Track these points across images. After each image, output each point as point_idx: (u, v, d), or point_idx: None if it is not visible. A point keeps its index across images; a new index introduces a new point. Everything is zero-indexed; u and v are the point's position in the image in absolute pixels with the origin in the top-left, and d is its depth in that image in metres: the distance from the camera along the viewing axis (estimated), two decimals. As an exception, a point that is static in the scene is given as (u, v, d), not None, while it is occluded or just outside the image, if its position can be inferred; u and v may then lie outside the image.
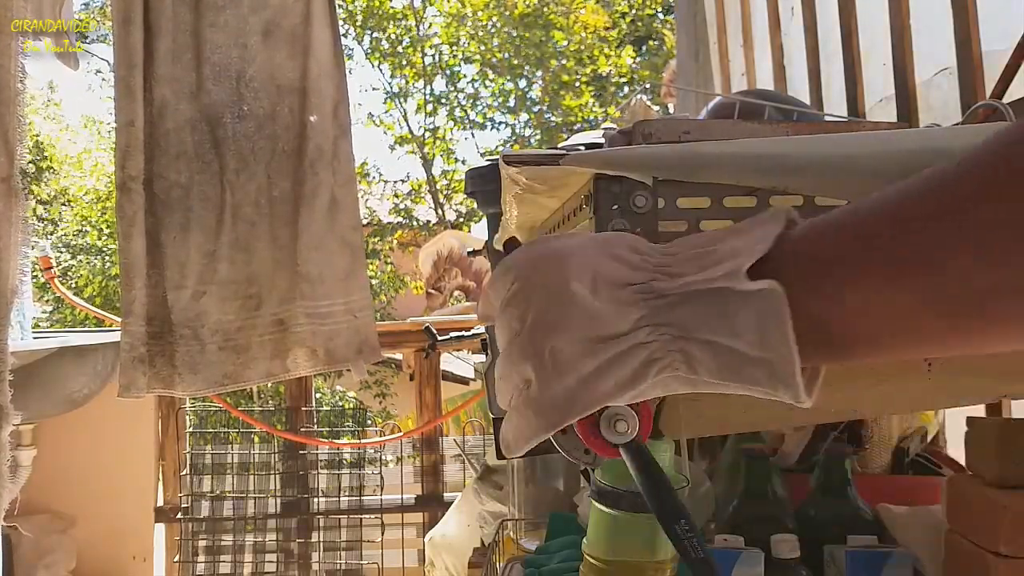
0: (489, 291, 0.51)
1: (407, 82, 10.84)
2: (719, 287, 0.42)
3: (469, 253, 2.52)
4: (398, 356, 5.52)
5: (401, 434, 3.29)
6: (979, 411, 1.29)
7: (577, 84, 10.48)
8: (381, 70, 10.79)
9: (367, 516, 3.03)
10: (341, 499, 3.02)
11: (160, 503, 3.06)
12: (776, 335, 0.41)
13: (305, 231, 2.02)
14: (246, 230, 2.02)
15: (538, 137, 10.68)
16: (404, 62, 10.69)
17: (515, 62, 10.57)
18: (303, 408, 2.99)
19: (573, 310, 0.45)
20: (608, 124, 1.54)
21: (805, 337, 0.40)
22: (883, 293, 0.39)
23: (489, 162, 1.52)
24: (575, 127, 10.17)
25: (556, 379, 0.45)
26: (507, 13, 10.32)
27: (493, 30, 10.52)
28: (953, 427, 1.35)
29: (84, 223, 7.85)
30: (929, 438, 1.37)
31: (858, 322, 0.40)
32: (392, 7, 10.53)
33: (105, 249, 7.56)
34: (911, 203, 0.38)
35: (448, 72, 10.89)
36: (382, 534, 3.04)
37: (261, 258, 2.03)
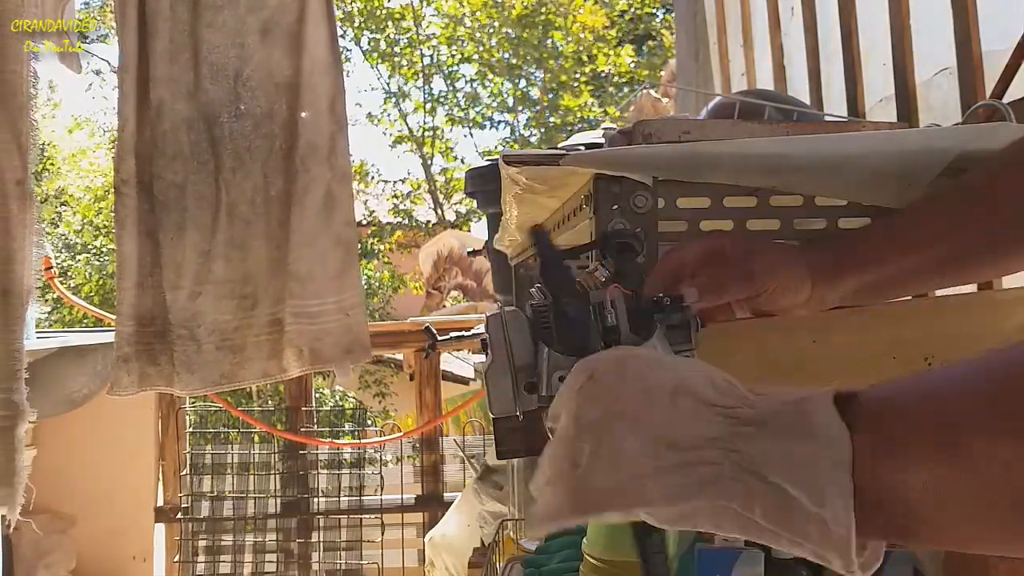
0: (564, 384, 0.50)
1: (405, 81, 10.84)
2: (797, 412, 0.41)
3: (469, 253, 2.52)
4: (398, 356, 5.52)
5: (401, 434, 3.29)
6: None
7: (576, 84, 10.48)
8: (379, 70, 10.80)
9: (367, 516, 3.03)
10: (341, 499, 3.02)
11: (160, 503, 3.06)
12: (834, 492, 0.38)
13: (297, 229, 2.01)
14: (242, 229, 2.01)
15: (537, 137, 10.68)
16: (403, 62, 10.69)
17: (513, 62, 10.58)
18: (303, 408, 2.99)
19: (649, 411, 0.44)
20: (608, 124, 1.54)
21: (866, 508, 0.38)
22: (955, 481, 0.36)
23: (489, 162, 1.52)
24: (575, 127, 10.17)
25: (609, 469, 0.43)
26: (505, 13, 10.32)
27: (491, 30, 10.52)
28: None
29: (83, 223, 7.85)
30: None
31: (926, 506, 0.37)
32: (390, 7, 10.53)
33: (104, 249, 7.57)
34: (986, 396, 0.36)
35: (446, 72, 10.89)
36: (382, 534, 3.04)
37: (257, 257, 2.02)
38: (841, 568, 0.39)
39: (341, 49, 2.19)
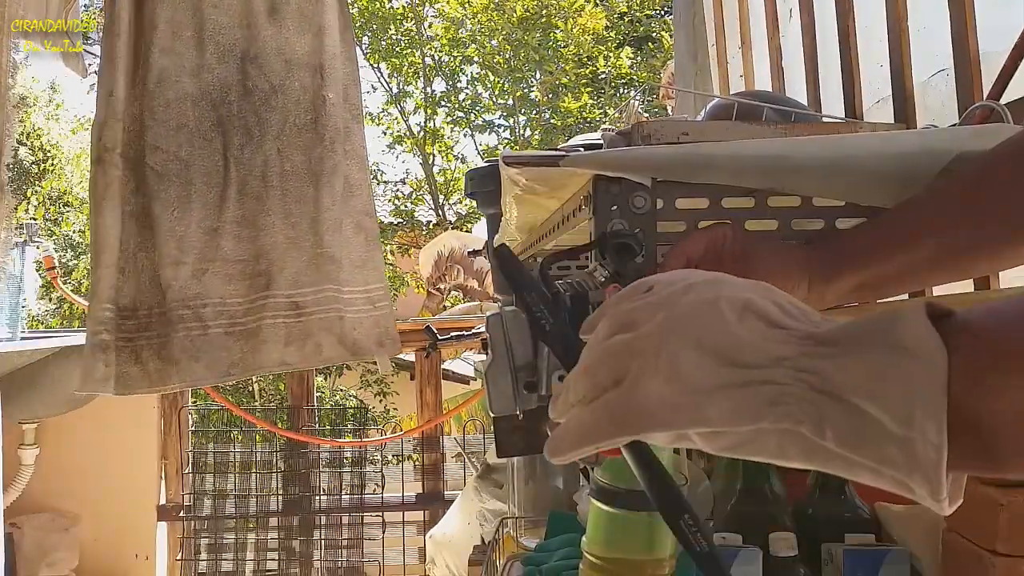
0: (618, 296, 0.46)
1: (406, 82, 10.85)
2: (886, 328, 0.37)
3: (470, 253, 2.53)
4: (404, 356, 5.51)
5: (402, 433, 3.30)
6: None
7: (576, 86, 10.48)
8: (380, 70, 10.79)
9: (368, 514, 3.04)
10: (343, 497, 3.03)
11: (163, 501, 3.08)
12: (925, 412, 0.35)
13: (325, 211, 1.93)
14: (253, 205, 1.92)
15: (537, 138, 10.68)
16: (404, 63, 10.70)
17: (514, 63, 10.58)
18: (305, 407, 3.00)
19: (713, 326, 0.40)
20: (607, 125, 1.54)
21: (956, 432, 0.35)
22: None
23: (489, 163, 1.53)
24: (574, 128, 10.17)
25: (662, 384, 0.39)
26: (506, 16, 10.32)
27: (492, 32, 10.52)
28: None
29: (85, 223, 7.87)
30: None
31: (1020, 433, 0.34)
32: (392, 7, 10.54)
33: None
34: None
35: (448, 72, 10.89)
36: (383, 532, 3.05)
37: (271, 234, 1.91)
38: (928, 495, 0.36)
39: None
